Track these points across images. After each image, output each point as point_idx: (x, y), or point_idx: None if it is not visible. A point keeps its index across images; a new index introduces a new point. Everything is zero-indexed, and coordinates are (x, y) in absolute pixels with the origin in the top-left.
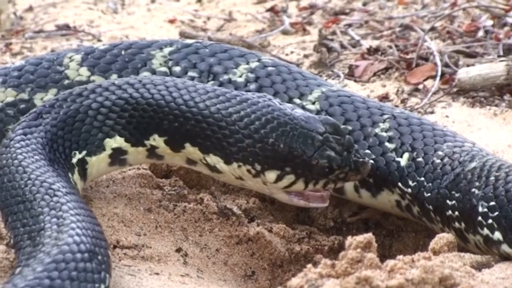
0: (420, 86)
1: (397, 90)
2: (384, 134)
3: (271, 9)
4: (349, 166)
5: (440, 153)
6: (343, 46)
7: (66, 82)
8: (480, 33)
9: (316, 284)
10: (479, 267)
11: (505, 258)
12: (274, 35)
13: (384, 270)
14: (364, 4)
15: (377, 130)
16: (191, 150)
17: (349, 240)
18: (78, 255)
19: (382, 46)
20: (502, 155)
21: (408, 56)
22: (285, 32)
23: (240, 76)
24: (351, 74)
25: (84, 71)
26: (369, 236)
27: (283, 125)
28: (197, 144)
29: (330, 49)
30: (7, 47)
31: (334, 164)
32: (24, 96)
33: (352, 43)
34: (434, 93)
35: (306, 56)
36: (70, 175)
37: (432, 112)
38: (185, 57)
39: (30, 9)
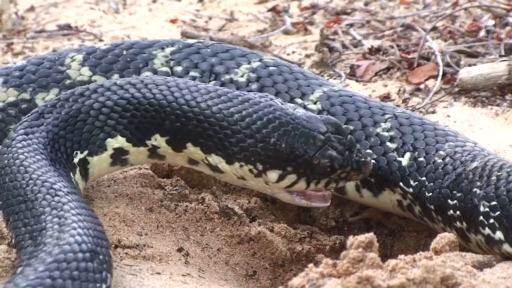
0: (422, 86)
1: (399, 90)
2: (386, 133)
3: (272, 9)
4: (351, 165)
5: (441, 152)
6: (344, 46)
7: (67, 82)
8: (482, 33)
9: (317, 283)
10: (480, 266)
11: (506, 257)
12: (276, 35)
13: (386, 270)
14: (366, 4)
15: (378, 130)
16: (192, 150)
17: (351, 239)
18: (80, 255)
19: (383, 46)
20: (503, 154)
21: (409, 56)
22: (286, 32)
23: (242, 76)
24: (352, 74)
25: (86, 71)
26: (370, 235)
27: (285, 125)
28: (199, 144)
29: (331, 49)
30: (8, 47)
31: (336, 164)
32: (26, 96)
33: (353, 43)
34: (436, 92)
35: (307, 56)
36: (71, 175)
37: (433, 112)
38: (187, 57)
39: (32, 9)
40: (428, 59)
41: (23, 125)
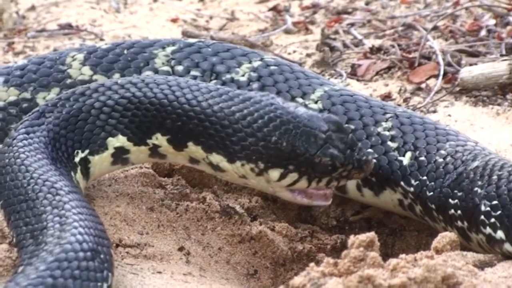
0: (423, 85)
1: (400, 89)
2: (387, 133)
3: (273, 8)
4: (352, 164)
5: (442, 152)
6: (345, 45)
7: (68, 81)
8: (483, 32)
9: (318, 282)
10: (481, 266)
11: (507, 257)
12: (277, 34)
13: (387, 269)
14: (367, 4)
15: (379, 129)
16: (194, 149)
17: (352, 239)
18: (81, 254)
19: (384, 45)
20: (504, 154)
21: (410, 55)
22: (287, 31)
23: (243, 75)
24: (353, 73)
25: (87, 70)
26: (371, 235)
27: (286, 124)
28: (200, 143)
29: (332, 48)
30: (9, 46)
31: (337, 162)
32: (27, 95)
33: (354, 42)
34: (437, 92)
35: (308, 55)
36: (72, 174)
37: (434, 111)
38: (188, 56)
39: (33, 8)
40: (429, 58)
41: (24, 124)
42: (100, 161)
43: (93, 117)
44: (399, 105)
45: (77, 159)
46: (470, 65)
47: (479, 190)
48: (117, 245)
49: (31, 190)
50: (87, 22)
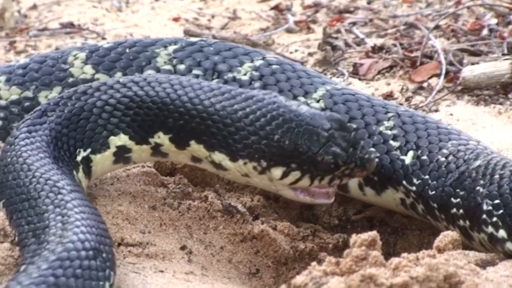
0: (425, 84)
1: (402, 88)
2: (389, 132)
3: (275, 7)
4: (355, 162)
5: (444, 151)
6: (347, 44)
7: (70, 80)
8: (485, 32)
9: (320, 281)
10: (483, 265)
11: (509, 256)
12: (279, 33)
13: (389, 268)
14: (369, 2)
15: (381, 128)
16: (196, 148)
17: (354, 238)
18: (83, 253)
19: (386, 44)
20: (506, 153)
21: (412, 54)
22: (289, 30)
23: (245, 74)
24: (355, 72)
25: (89, 69)
26: (373, 234)
27: (289, 122)
28: (202, 141)
29: (334, 47)
30: (11, 45)
31: (340, 160)
32: (29, 94)
33: (356, 41)
34: (439, 91)
35: (310, 54)
36: (74, 173)
37: (436, 110)
38: (190, 55)
39: (34, 7)
40: (431, 57)
41: (26, 123)
42: (102, 160)
43: (95, 116)
44: (401, 104)
45: (79, 158)
46: (472, 64)
47: (481, 189)
48: (119, 244)
49: (33, 189)
50: (89, 21)
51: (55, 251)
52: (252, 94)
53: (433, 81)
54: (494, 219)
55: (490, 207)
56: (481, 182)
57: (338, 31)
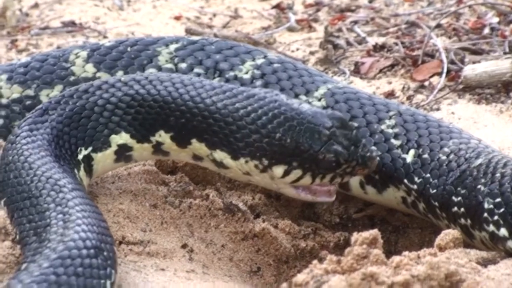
0: (426, 83)
1: (403, 87)
2: (390, 130)
3: (277, 6)
4: (356, 160)
5: (446, 149)
6: (349, 43)
7: (72, 78)
8: (486, 30)
9: (321, 280)
10: (484, 263)
11: (510, 254)
12: (280, 32)
13: (390, 266)
14: (370, 1)
15: (383, 127)
16: (197, 146)
17: (355, 236)
18: (84, 251)
19: (388, 43)
20: (508, 151)
21: (414, 53)
22: (291, 29)
23: (246, 73)
24: (357, 71)
25: (90, 68)
26: (374, 232)
27: (290, 120)
28: (203, 140)
29: (336, 46)
30: (13, 44)
31: (341, 159)
32: (30, 92)
33: (358, 40)
34: (440, 90)
35: (312, 53)
36: (76, 171)
37: (438, 109)
38: (191, 54)
39: (36, 5)
40: (432, 56)
41: (27, 121)
42: (103, 158)
43: (96, 114)
44: (402, 103)
45: (80, 157)
46: (474, 63)
47: (482, 188)
48: (120, 242)
49: (34, 187)
50: (91, 19)
51: (56, 250)
52: (254, 93)
53: (435, 79)
54: (496, 217)
55: (491, 206)
56: (483, 180)
57: (340, 30)
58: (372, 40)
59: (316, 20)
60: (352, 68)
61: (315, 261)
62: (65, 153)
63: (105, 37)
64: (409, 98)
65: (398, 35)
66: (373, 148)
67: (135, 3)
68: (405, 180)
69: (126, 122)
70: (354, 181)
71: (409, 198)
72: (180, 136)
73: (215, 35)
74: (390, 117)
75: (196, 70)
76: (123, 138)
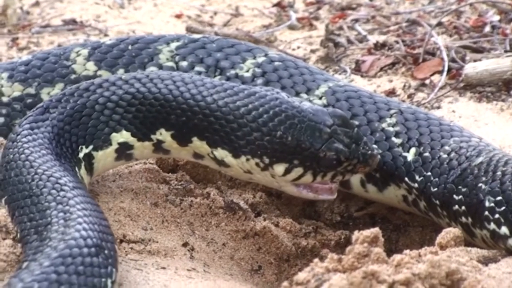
0: (427, 81)
1: (404, 85)
2: (391, 129)
3: (277, 4)
4: (357, 158)
5: (447, 148)
6: (349, 41)
7: (73, 76)
8: (487, 28)
9: (322, 278)
10: (485, 261)
11: (511, 252)
12: (281, 30)
13: (391, 265)
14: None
15: (384, 125)
16: (198, 144)
17: (356, 234)
18: (85, 250)
19: (389, 41)
20: (508, 150)
21: (415, 51)
22: (292, 27)
23: (247, 71)
24: (357, 69)
25: (91, 66)
26: (375, 230)
27: (291, 118)
28: (204, 138)
29: (336, 44)
30: (13, 42)
31: (342, 156)
32: (31, 90)
33: (358, 38)
34: (441, 88)
35: (312, 51)
36: (76, 169)
37: (439, 107)
38: (192, 52)
39: (37, 3)
40: (433, 54)
41: (28, 119)
42: (104, 157)
43: (97, 112)
44: (403, 101)
45: (81, 155)
46: (475, 61)
47: (483, 186)
48: (121, 241)
49: (35, 186)
50: (92, 17)
51: (57, 248)
52: (255, 91)
53: (436, 78)
54: (496, 215)
55: (492, 204)
56: (483, 179)
57: (341, 28)
58: (373, 38)
59: (317, 18)
60: (353, 66)
61: (316, 260)
62: (66, 151)
63: (106, 35)
64: (410, 96)
65: (399, 33)
66: (374, 146)
67: (136, 1)
68: (406, 179)
69: (127, 121)
70: (355, 179)
71: (410, 196)
72: (181, 134)
73: (216, 33)
74: (391, 115)
75: (197, 68)
76: (124, 136)
